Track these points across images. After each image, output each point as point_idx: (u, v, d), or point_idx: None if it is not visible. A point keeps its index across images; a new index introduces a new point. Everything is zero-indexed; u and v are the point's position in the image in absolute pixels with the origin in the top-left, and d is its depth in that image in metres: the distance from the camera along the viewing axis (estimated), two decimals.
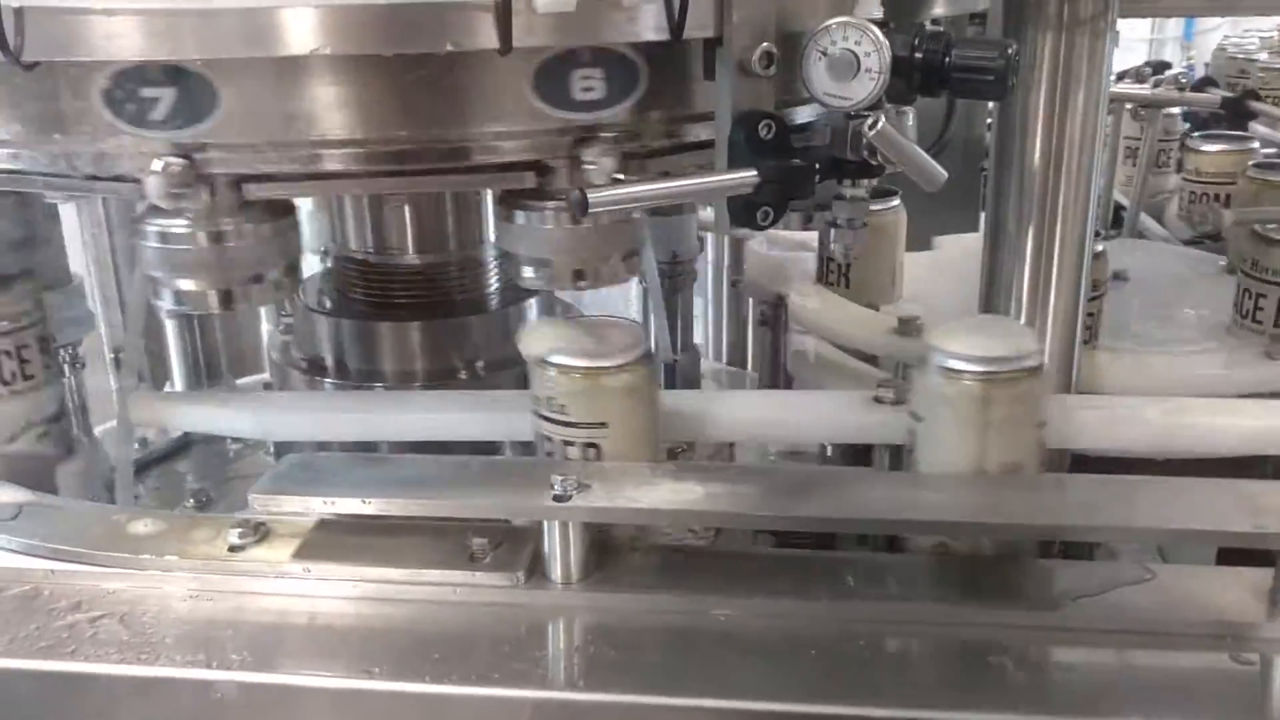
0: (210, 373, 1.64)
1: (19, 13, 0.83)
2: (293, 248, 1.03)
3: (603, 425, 0.97)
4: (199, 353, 1.60)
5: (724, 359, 2.02)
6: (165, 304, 1.02)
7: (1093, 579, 0.95)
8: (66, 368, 1.35)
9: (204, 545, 0.99)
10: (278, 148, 0.93)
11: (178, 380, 1.64)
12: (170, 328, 1.56)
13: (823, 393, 1.26)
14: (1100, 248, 1.25)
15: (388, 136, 0.92)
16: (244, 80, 0.89)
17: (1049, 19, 1.03)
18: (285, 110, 0.91)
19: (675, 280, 1.70)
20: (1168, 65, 2.56)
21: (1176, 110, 2.20)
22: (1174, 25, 6.13)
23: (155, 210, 0.96)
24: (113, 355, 1.60)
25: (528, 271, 1.05)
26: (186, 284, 0.98)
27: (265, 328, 1.91)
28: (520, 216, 1.02)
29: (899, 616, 0.92)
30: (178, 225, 0.95)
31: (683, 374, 1.69)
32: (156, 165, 0.90)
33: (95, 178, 0.95)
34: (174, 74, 0.89)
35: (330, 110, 0.91)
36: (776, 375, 1.68)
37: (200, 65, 0.88)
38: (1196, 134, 2.04)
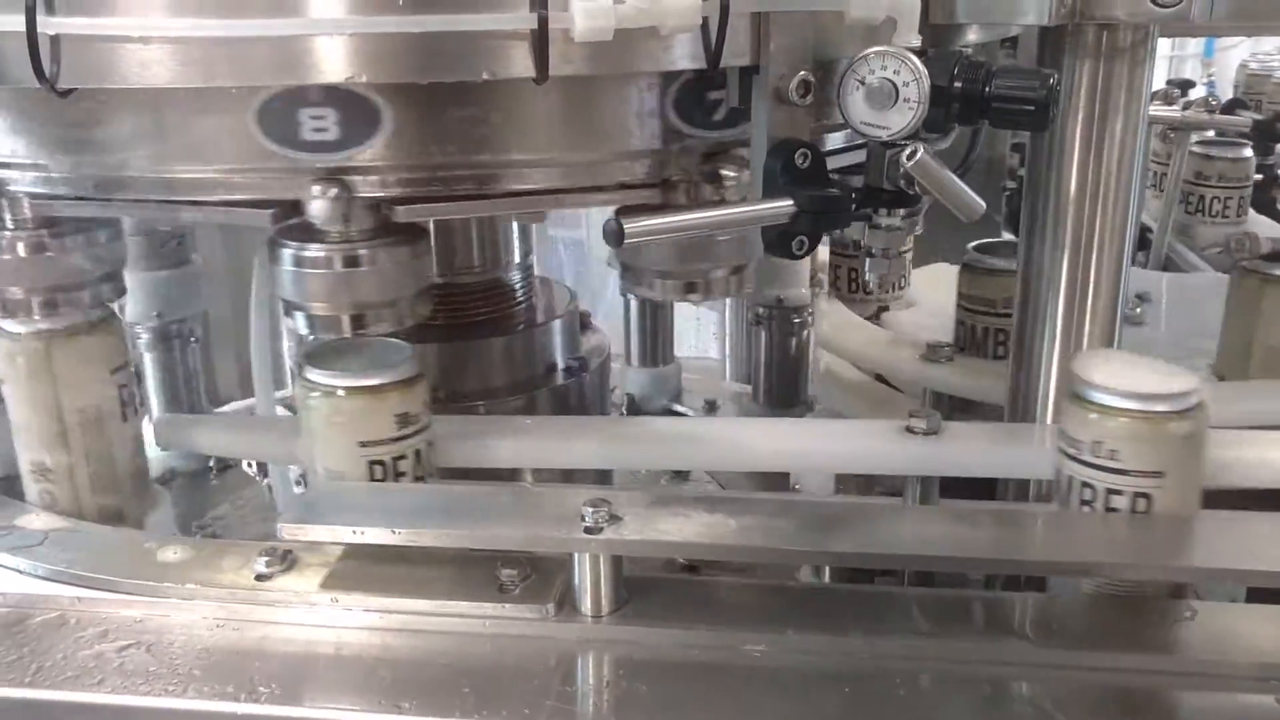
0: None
1: (55, 40, 0.83)
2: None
3: (1159, 475, 0.91)
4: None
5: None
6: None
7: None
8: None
9: (231, 573, 0.98)
10: None
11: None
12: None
13: (850, 421, 1.24)
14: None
15: None
16: None
17: (1087, 47, 1.01)
18: None
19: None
20: (1191, 83, 2.55)
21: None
22: (1195, 42, 6.11)
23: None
24: None
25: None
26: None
27: (286, 346, 1.91)
28: None
29: (934, 654, 0.90)
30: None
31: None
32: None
33: None
34: None
35: None
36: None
37: None
38: None
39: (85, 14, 0.83)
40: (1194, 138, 2.06)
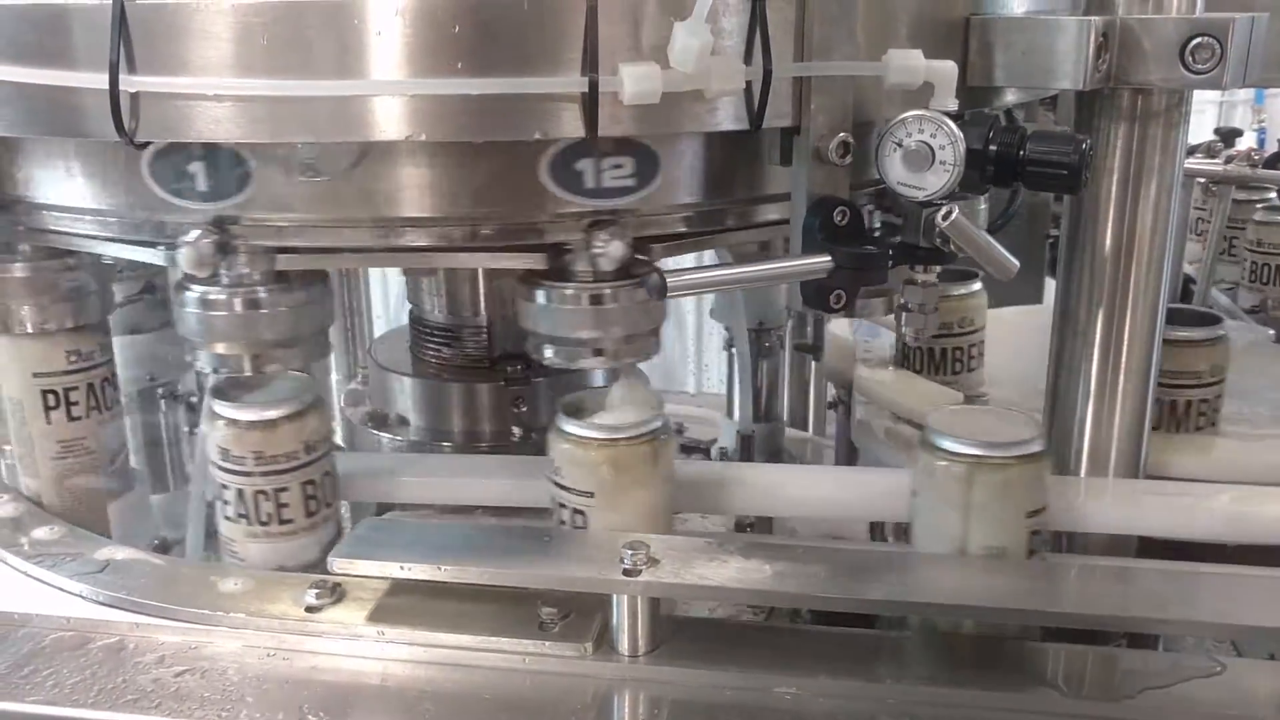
0: None
1: (135, 97, 0.88)
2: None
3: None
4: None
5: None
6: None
7: (1161, 670, 0.94)
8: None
9: (283, 605, 1.02)
10: None
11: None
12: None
13: (885, 471, 1.26)
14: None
15: None
16: None
17: (1122, 110, 1.03)
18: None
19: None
20: (1238, 132, 2.54)
21: None
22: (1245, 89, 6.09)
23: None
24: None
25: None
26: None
27: (334, 380, 1.95)
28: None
29: (964, 702, 0.92)
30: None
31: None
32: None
33: None
34: None
35: None
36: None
37: None
38: None
39: (164, 73, 0.88)
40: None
